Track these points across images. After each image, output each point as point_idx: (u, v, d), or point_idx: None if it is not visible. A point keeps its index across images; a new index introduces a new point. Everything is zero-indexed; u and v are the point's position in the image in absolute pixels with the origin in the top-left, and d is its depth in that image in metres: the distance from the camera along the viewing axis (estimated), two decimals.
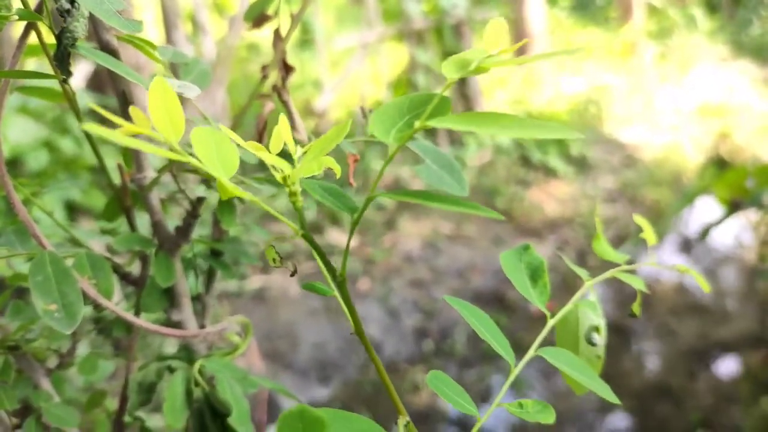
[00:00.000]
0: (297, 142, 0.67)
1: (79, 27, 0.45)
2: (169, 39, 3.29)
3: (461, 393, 0.42)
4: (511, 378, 0.44)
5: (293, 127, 0.67)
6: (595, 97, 5.97)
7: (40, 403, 0.60)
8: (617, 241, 3.91)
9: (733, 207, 1.63)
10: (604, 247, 0.55)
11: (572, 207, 4.48)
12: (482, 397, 2.81)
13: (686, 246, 3.69)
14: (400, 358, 3.10)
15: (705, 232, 1.75)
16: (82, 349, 0.72)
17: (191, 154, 0.34)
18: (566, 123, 5.37)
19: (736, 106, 5.64)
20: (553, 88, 6.09)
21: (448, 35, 4.94)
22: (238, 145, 0.39)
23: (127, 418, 0.65)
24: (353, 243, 3.85)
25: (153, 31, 3.97)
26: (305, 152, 0.37)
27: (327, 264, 0.41)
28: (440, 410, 2.72)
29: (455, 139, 4.98)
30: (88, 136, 0.57)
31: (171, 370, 0.60)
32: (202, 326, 0.68)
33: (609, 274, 0.52)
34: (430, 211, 4.30)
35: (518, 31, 6.30)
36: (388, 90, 4.70)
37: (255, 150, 0.38)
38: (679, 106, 5.86)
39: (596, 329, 0.50)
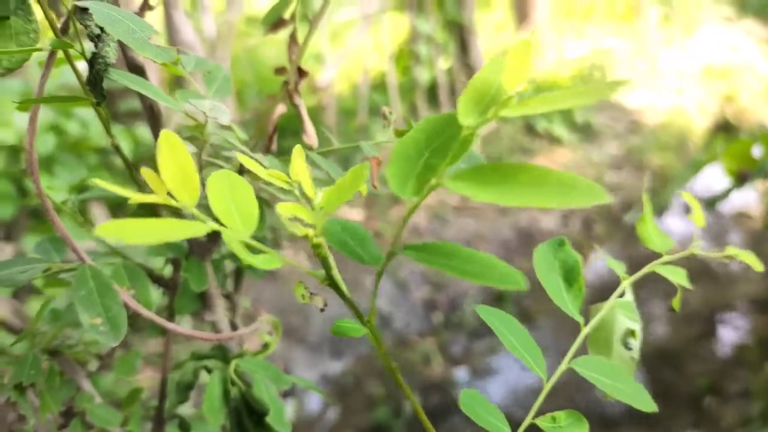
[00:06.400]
0: (307, 147, 0.69)
1: (111, 52, 0.47)
2: (169, 19, 3.27)
3: (494, 412, 0.43)
4: (545, 392, 0.45)
5: (304, 131, 0.68)
6: (598, 61, 5.92)
7: (84, 404, 0.63)
8: (623, 208, 3.92)
9: (741, 179, 1.64)
10: (649, 231, 0.52)
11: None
12: (491, 367, 2.86)
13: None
14: (410, 330, 3.15)
15: (712, 203, 1.77)
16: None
17: (210, 213, 0.32)
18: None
19: (741, 67, 5.59)
20: (556, 53, 6.04)
21: (449, 3, 4.88)
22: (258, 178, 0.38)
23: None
24: (360, 217, 3.87)
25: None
26: (324, 199, 0.35)
27: (355, 310, 0.40)
28: (452, 381, 2.78)
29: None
30: (118, 149, 0.59)
31: (208, 370, 0.62)
32: (233, 324, 0.70)
33: (648, 268, 0.51)
34: None
35: None
36: (390, 61, 4.67)
37: (272, 189, 0.39)
38: (684, 68, 5.81)
39: (632, 333, 0.49)
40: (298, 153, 0.40)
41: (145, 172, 0.31)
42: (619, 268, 0.53)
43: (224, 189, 0.34)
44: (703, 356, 2.75)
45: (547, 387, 0.45)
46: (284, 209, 0.33)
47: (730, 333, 2.93)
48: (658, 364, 2.71)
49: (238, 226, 0.33)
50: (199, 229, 0.30)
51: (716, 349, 2.80)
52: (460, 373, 2.88)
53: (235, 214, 0.33)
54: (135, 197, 0.30)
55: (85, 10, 0.44)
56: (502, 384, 2.71)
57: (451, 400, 2.69)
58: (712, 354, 2.77)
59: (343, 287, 0.40)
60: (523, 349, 0.44)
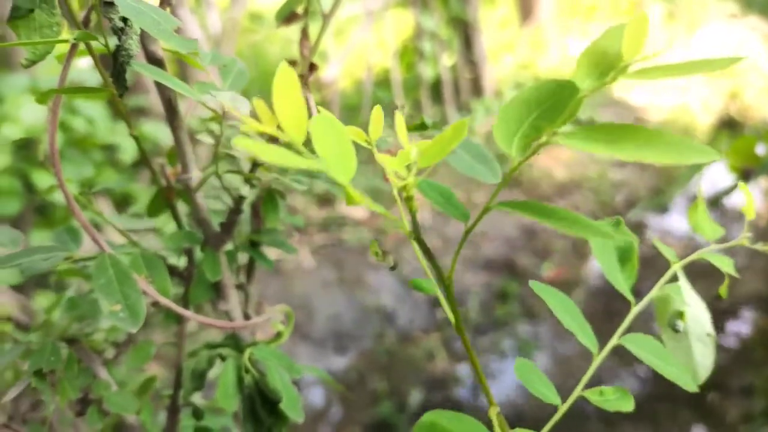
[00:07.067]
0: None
1: (134, 44, 0.48)
2: (174, 15, 3.27)
3: (545, 382, 0.44)
4: (594, 365, 0.45)
5: None
6: None
7: (101, 391, 0.64)
8: (627, 205, 3.93)
9: (745, 176, 1.65)
10: (700, 219, 0.53)
11: (581, 172, 4.49)
12: (496, 361, 2.87)
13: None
14: (414, 326, 3.16)
15: (715, 201, 1.77)
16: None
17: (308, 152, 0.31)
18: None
19: (745, 64, 5.58)
20: (559, 51, 6.04)
21: (453, 0, 4.89)
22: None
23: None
24: (364, 214, 3.88)
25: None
26: (421, 154, 0.35)
27: (436, 267, 0.40)
28: (456, 377, 2.79)
29: (462, 106, 4.97)
30: (137, 140, 0.60)
31: (222, 358, 0.64)
32: (245, 314, 0.71)
33: (697, 255, 0.52)
34: (439, 179, 4.31)
35: None
36: (394, 58, 4.67)
37: (366, 145, 0.38)
38: None
39: (680, 315, 0.50)
40: (398, 117, 0.41)
41: (257, 104, 0.31)
42: (669, 252, 0.53)
43: (328, 133, 0.32)
44: None
45: (597, 360, 0.45)
46: (384, 160, 0.35)
47: (734, 330, 2.93)
48: None
49: (339, 170, 0.32)
50: (312, 163, 0.30)
51: (719, 347, 2.80)
52: (464, 369, 2.89)
53: (337, 158, 0.32)
54: (250, 125, 0.30)
55: (109, 3, 0.45)
56: (503, 380, 2.72)
57: (455, 396, 2.70)
58: (716, 351, 2.77)
59: (425, 243, 0.40)
60: (577, 326, 0.45)
